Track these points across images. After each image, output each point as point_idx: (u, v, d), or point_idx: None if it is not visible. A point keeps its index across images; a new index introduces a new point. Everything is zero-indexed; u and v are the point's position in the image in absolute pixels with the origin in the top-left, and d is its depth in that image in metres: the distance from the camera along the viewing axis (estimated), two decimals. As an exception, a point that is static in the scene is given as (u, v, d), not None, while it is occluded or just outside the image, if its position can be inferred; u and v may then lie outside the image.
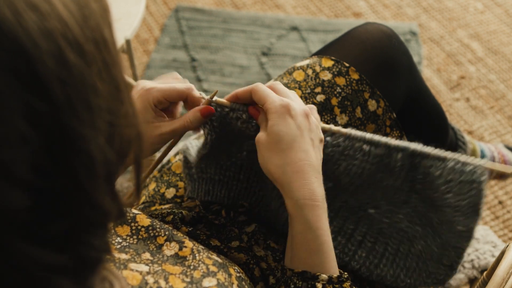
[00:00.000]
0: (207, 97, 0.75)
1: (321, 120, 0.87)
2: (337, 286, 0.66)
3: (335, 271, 0.68)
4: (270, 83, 0.74)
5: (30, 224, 0.33)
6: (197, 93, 0.75)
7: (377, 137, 0.78)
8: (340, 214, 0.84)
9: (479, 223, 0.81)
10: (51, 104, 0.32)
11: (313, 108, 0.74)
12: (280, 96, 0.70)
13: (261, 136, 0.69)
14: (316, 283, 0.66)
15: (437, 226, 0.82)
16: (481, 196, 0.79)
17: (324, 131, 0.77)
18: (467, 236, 0.82)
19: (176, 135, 0.74)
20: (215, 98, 0.75)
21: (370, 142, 0.77)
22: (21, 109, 0.31)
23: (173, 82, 0.75)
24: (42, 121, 0.32)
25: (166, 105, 0.75)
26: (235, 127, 0.75)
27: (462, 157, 0.78)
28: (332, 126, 0.77)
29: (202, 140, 0.84)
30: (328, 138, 0.78)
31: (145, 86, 0.73)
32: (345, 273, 0.69)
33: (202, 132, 0.80)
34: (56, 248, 0.35)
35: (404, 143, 0.78)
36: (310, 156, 0.68)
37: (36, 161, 0.32)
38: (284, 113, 0.68)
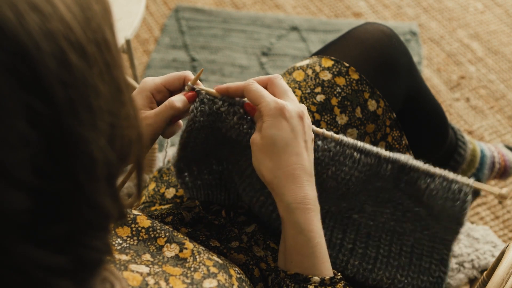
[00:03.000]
0: (192, 85, 0.74)
1: (321, 120, 0.87)
2: (329, 287, 0.66)
3: (328, 272, 0.68)
4: (269, 76, 0.73)
5: (30, 226, 0.33)
6: (193, 77, 0.75)
7: (368, 146, 0.77)
8: (325, 224, 0.84)
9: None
10: (52, 106, 0.32)
11: (305, 107, 0.73)
12: (275, 96, 0.70)
13: (255, 137, 0.69)
14: (308, 285, 0.66)
15: (425, 218, 0.83)
16: (464, 213, 0.79)
17: (316, 134, 0.77)
18: (453, 232, 0.82)
19: (161, 119, 0.72)
20: (208, 89, 0.74)
21: (361, 151, 0.77)
22: (22, 110, 0.31)
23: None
24: (43, 122, 0.32)
25: (165, 94, 0.74)
26: (229, 122, 0.74)
27: (450, 175, 0.78)
28: (324, 131, 0.77)
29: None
30: (319, 142, 0.77)
31: (146, 79, 0.74)
32: (339, 274, 0.69)
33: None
34: (57, 250, 0.35)
35: (395, 154, 0.78)
36: (303, 159, 0.68)
37: (37, 162, 0.32)
38: (279, 116, 0.67)
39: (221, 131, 0.76)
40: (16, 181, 0.32)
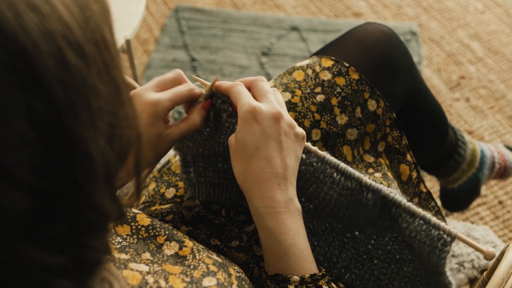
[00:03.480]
0: (206, 89, 0.75)
1: (321, 120, 0.87)
2: (310, 285, 0.66)
3: (308, 270, 0.67)
4: (252, 78, 0.72)
5: (30, 226, 0.33)
6: (198, 90, 0.75)
7: (350, 170, 0.74)
8: (324, 237, 0.82)
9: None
10: (51, 106, 0.32)
11: (283, 108, 0.71)
12: (255, 98, 0.69)
13: (231, 139, 0.69)
14: (288, 285, 0.66)
15: (418, 252, 0.78)
16: (441, 262, 0.73)
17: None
18: (434, 268, 0.77)
19: (184, 136, 0.74)
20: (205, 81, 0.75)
21: (342, 172, 0.74)
22: (21, 110, 0.31)
23: (169, 83, 0.74)
24: (42, 122, 0.32)
25: (171, 110, 0.75)
26: (221, 120, 0.75)
27: (433, 219, 0.73)
28: (309, 144, 0.74)
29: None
30: (303, 155, 0.75)
31: (149, 98, 0.71)
32: (323, 270, 0.68)
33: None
34: (56, 249, 0.35)
35: (377, 184, 0.74)
36: (273, 163, 0.67)
37: (37, 162, 0.32)
38: (250, 119, 0.67)
39: (218, 132, 0.77)
40: (15, 181, 0.32)
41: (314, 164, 0.75)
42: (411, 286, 0.81)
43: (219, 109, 0.75)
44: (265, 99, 0.69)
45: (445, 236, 0.72)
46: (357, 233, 0.82)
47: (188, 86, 0.74)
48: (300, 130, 0.71)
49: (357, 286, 0.83)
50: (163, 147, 0.73)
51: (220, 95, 0.74)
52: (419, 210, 0.73)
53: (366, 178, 0.75)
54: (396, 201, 0.74)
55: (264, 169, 0.67)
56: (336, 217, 0.80)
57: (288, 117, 0.70)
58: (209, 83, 0.75)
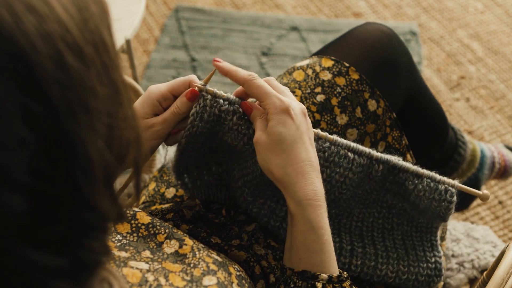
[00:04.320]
0: (198, 84, 0.73)
1: (321, 120, 0.88)
2: (337, 285, 0.66)
3: (335, 270, 0.68)
4: (265, 78, 0.72)
5: (28, 228, 0.33)
6: (198, 81, 0.74)
7: (361, 147, 0.79)
8: None
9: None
10: (49, 107, 0.32)
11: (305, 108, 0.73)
12: (279, 94, 0.70)
13: (260, 136, 0.69)
14: (316, 283, 0.66)
15: (410, 212, 0.85)
16: (449, 213, 0.82)
17: None
18: (438, 220, 0.85)
19: (168, 125, 0.73)
20: (208, 87, 0.73)
21: (355, 151, 0.78)
22: (20, 112, 0.31)
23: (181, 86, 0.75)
24: (41, 124, 0.32)
25: (172, 100, 0.74)
26: (228, 123, 0.73)
27: (438, 176, 0.80)
28: (319, 131, 0.77)
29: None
30: (314, 143, 0.76)
31: (151, 86, 0.74)
32: (345, 272, 0.69)
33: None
34: (55, 251, 0.35)
35: (385, 156, 0.79)
36: (311, 156, 0.69)
37: (35, 164, 0.32)
38: (285, 114, 0.68)
39: (218, 136, 0.75)
40: (14, 183, 0.32)
41: (327, 149, 0.77)
42: (411, 249, 0.87)
43: (224, 111, 0.73)
44: (287, 96, 0.71)
45: (451, 188, 0.80)
46: (344, 220, 0.86)
47: (189, 76, 0.74)
48: (313, 134, 0.73)
49: (368, 266, 0.85)
50: (147, 135, 0.72)
51: (226, 97, 0.73)
52: (424, 170, 0.80)
53: (375, 152, 0.79)
54: (404, 167, 0.80)
55: (305, 162, 0.68)
56: (336, 203, 0.82)
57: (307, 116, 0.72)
58: (221, 92, 0.74)
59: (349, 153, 0.78)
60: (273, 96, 0.69)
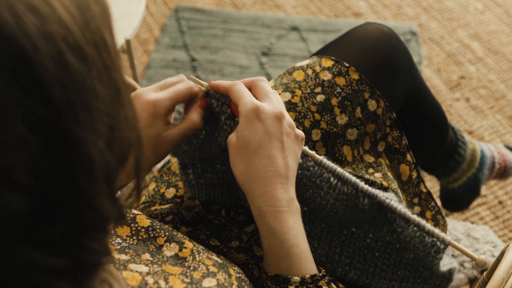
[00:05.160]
0: (203, 88, 0.75)
1: (321, 120, 0.87)
2: (311, 286, 0.66)
3: (310, 271, 0.67)
4: (253, 78, 0.72)
5: (29, 228, 0.33)
6: (196, 88, 0.75)
7: (347, 175, 0.74)
8: (323, 238, 0.82)
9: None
10: (50, 108, 0.32)
11: (284, 108, 0.71)
12: (253, 98, 0.69)
13: (231, 138, 0.69)
14: (289, 286, 0.65)
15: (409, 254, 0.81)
16: (435, 267, 0.75)
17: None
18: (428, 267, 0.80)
19: (183, 136, 0.74)
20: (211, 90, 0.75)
21: (339, 177, 0.75)
22: (21, 112, 0.31)
23: (171, 86, 0.74)
24: (42, 124, 0.32)
25: (173, 111, 0.75)
26: (219, 123, 0.74)
27: (427, 226, 0.74)
28: (306, 148, 0.75)
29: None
30: (300, 159, 0.74)
31: (148, 98, 0.71)
32: (322, 270, 0.68)
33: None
34: (55, 252, 0.35)
35: (374, 190, 0.75)
36: (276, 162, 0.67)
37: (36, 165, 0.32)
38: (253, 117, 0.67)
39: (215, 135, 0.76)
40: (14, 183, 0.32)
41: (311, 168, 0.74)
42: (415, 272, 0.81)
43: (216, 111, 0.74)
44: (267, 99, 0.69)
45: (438, 243, 0.74)
46: (354, 229, 0.82)
47: (187, 84, 0.74)
48: (299, 132, 0.71)
49: (363, 282, 0.83)
50: (163, 149, 0.72)
51: (218, 97, 0.74)
52: (413, 216, 0.74)
53: (362, 184, 0.75)
54: (391, 207, 0.75)
55: (267, 168, 0.66)
56: (332, 220, 0.80)
57: (288, 118, 0.70)
58: (206, 83, 0.75)
59: (332, 178, 0.74)
60: (245, 98, 0.68)
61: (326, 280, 0.67)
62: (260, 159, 0.66)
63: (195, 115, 0.73)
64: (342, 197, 0.75)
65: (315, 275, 0.67)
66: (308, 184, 0.75)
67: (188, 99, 0.75)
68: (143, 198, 0.94)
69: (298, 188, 0.76)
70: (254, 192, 0.67)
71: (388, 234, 0.81)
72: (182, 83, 0.74)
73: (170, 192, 0.92)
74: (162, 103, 0.71)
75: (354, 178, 0.75)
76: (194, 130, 0.74)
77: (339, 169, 0.75)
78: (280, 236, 0.66)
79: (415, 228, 0.74)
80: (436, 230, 0.74)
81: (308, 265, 0.68)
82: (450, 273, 0.81)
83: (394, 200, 0.76)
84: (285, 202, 0.67)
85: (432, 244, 0.74)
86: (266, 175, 0.66)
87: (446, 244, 0.74)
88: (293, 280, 0.66)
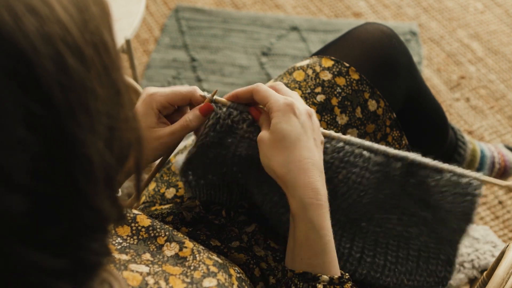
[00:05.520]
0: (208, 95, 0.75)
1: (321, 120, 0.88)
2: (338, 287, 0.66)
3: (336, 271, 0.68)
4: (271, 83, 0.74)
5: (29, 228, 0.33)
6: (200, 93, 0.75)
7: (376, 145, 0.77)
8: (334, 233, 0.82)
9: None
10: (50, 109, 0.32)
11: (313, 111, 0.74)
12: (283, 95, 0.70)
13: (263, 134, 0.69)
14: (317, 284, 0.65)
15: (432, 222, 0.82)
16: (474, 207, 0.78)
17: (324, 136, 0.77)
18: (460, 232, 0.82)
19: (176, 138, 0.73)
20: (215, 97, 0.75)
21: (369, 149, 0.76)
22: (20, 113, 0.31)
23: (178, 87, 0.75)
24: (41, 125, 0.32)
25: (170, 110, 0.74)
26: (240, 131, 0.74)
27: (459, 169, 0.77)
28: (332, 132, 0.76)
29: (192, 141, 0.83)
30: (327, 145, 0.76)
31: (149, 91, 0.73)
32: (346, 274, 0.68)
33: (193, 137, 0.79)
34: (55, 252, 0.35)
35: (402, 152, 0.77)
36: (314, 154, 0.68)
37: (35, 165, 0.32)
38: (288, 111, 0.68)
39: (230, 150, 0.75)
40: (14, 184, 0.32)
41: (341, 149, 0.76)
42: (423, 263, 0.83)
43: (236, 120, 0.74)
44: (294, 98, 0.71)
45: (474, 181, 0.77)
46: (364, 224, 0.83)
47: (191, 87, 0.74)
48: (321, 137, 0.72)
49: (372, 277, 0.83)
50: (153, 145, 0.72)
51: (236, 106, 0.74)
52: (445, 165, 0.77)
53: (392, 149, 0.77)
54: (423, 163, 0.77)
55: (308, 159, 0.67)
56: (356, 207, 0.81)
57: (315, 118, 0.71)
58: (224, 99, 0.75)
59: (364, 152, 0.76)
60: (275, 95, 0.70)
61: (350, 284, 0.67)
62: (300, 150, 0.67)
63: (190, 116, 0.73)
64: (376, 168, 0.77)
65: (342, 276, 0.67)
66: (341, 165, 0.76)
67: (189, 103, 0.75)
68: (143, 198, 0.94)
69: (329, 174, 0.76)
70: (296, 183, 0.66)
71: (396, 227, 0.82)
72: (187, 86, 0.74)
73: (170, 192, 0.92)
74: (158, 97, 0.72)
75: (383, 147, 0.77)
76: (187, 131, 0.73)
77: (366, 142, 0.77)
78: (319, 231, 0.66)
79: (448, 175, 0.76)
80: (467, 171, 0.77)
81: (336, 265, 0.68)
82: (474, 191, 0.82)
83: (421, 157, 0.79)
84: (324, 197, 0.68)
85: (469, 183, 0.76)
86: (307, 167, 0.67)
87: (480, 179, 0.76)
88: (322, 279, 0.65)
